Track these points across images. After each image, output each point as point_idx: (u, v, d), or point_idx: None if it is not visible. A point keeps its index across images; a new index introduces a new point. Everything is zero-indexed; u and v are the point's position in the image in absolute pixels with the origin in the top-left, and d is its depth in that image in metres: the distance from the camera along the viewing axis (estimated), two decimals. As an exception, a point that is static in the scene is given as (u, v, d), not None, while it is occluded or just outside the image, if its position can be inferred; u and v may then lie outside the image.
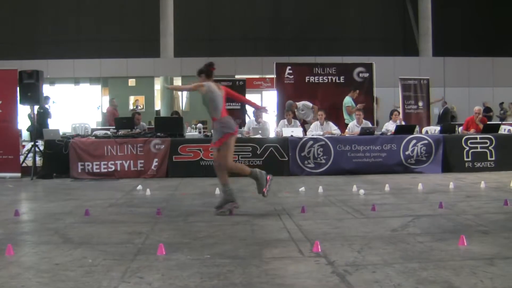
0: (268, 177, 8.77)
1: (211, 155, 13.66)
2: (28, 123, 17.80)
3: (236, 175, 8.97)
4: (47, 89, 17.93)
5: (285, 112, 15.77)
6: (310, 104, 16.76)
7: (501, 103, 27.06)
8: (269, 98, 28.22)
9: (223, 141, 8.50)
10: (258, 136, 14.38)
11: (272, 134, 15.26)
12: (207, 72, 8.93)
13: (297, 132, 14.48)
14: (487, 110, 21.72)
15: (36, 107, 15.58)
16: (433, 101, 22.53)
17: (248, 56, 29.60)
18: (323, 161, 13.93)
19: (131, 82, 30.54)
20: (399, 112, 16.72)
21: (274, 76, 18.08)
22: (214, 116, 8.63)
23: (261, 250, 6.09)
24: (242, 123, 18.03)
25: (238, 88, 19.18)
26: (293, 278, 5.02)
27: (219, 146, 8.55)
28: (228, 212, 8.50)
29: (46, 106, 19.01)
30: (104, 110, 29.50)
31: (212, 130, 8.95)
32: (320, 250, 5.92)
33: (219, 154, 8.58)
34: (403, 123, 16.55)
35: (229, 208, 8.54)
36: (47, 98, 19.60)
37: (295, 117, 15.97)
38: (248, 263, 5.51)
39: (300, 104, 16.78)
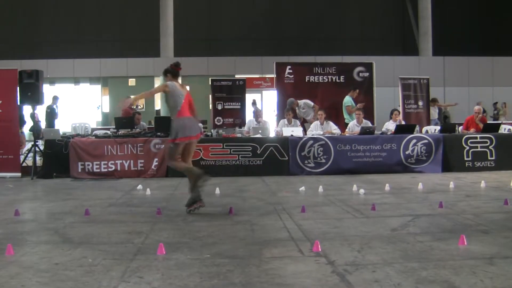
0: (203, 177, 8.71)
1: (211, 154, 13.69)
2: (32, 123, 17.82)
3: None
4: (47, 89, 17.92)
5: (285, 111, 15.76)
6: (311, 103, 16.76)
7: (495, 103, 27.10)
8: (269, 98, 28.24)
9: (174, 142, 8.65)
10: (258, 135, 14.38)
11: (272, 134, 15.26)
12: (173, 72, 9.01)
13: (297, 131, 14.47)
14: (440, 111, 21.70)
15: (38, 107, 15.59)
16: (445, 105, 22.56)
17: (248, 55, 29.62)
18: (323, 160, 13.92)
19: (131, 82, 30.53)
20: (399, 112, 16.70)
21: (274, 75, 18.08)
22: (175, 115, 8.72)
23: (260, 249, 6.09)
24: (242, 123, 18.05)
25: (238, 88, 19.24)
26: (293, 277, 5.02)
27: (170, 143, 8.74)
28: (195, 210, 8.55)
29: (54, 106, 19.14)
30: (105, 110, 29.54)
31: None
32: (320, 250, 5.92)
33: (165, 150, 8.79)
34: (403, 122, 16.54)
35: (196, 206, 8.56)
36: (56, 98, 19.71)
37: (295, 117, 15.98)
38: (247, 263, 5.51)
39: (301, 102, 16.79)
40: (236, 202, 9.51)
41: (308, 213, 8.35)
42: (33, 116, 16.40)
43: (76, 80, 31.11)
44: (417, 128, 15.80)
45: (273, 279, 4.97)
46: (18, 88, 14.31)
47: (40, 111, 17.28)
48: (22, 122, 16.27)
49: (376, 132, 14.97)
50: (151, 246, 6.19)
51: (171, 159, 8.80)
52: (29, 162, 14.62)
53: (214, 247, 6.22)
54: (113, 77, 30.40)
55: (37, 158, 14.40)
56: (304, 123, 16.33)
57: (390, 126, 15.44)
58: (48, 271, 5.29)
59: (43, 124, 19.30)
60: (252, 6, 33.46)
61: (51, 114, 19.03)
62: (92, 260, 5.67)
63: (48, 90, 24.21)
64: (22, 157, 14.70)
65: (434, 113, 20.33)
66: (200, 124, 11.81)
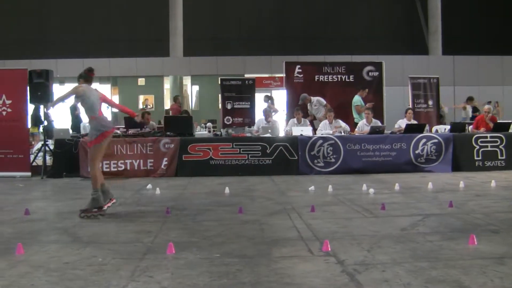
0: (111, 200, 8.71)
1: (220, 154, 13.69)
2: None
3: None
4: (56, 89, 17.97)
5: (295, 110, 15.70)
6: (324, 101, 16.71)
7: (489, 102, 26.91)
8: (278, 97, 28.20)
9: (99, 141, 8.58)
10: (268, 135, 14.38)
11: (281, 133, 15.23)
12: (85, 77, 8.96)
13: (307, 131, 14.45)
14: (475, 110, 21.54)
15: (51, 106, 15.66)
16: (455, 107, 22.46)
17: (257, 55, 29.57)
18: (333, 160, 13.90)
19: (141, 81, 30.58)
20: (413, 111, 16.58)
21: (283, 75, 18.05)
22: (92, 115, 8.68)
23: (270, 249, 6.09)
24: (251, 122, 18.04)
25: (248, 87, 19.22)
26: (302, 277, 5.01)
27: (93, 145, 8.63)
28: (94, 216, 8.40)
29: (78, 105, 19.28)
30: (114, 109, 29.54)
31: (88, 129, 9.08)
32: (329, 249, 5.92)
33: (90, 153, 8.78)
34: (413, 122, 16.49)
35: (93, 213, 8.42)
36: (76, 97, 19.84)
37: (304, 116, 15.95)
38: (257, 262, 5.51)
39: (314, 99, 16.75)
40: (245, 202, 9.52)
41: (317, 213, 8.34)
42: (46, 116, 16.50)
43: (86, 80, 31.14)
44: (427, 127, 15.73)
45: (282, 278, 4.97)
46: (28, 87, 14.38)
47: (60, 110, 17.40)
48: (39, 121, 16.39)
49: (386, 131, 14.94)
50: (161, 245, 6.20)
51: (95, 164, 8.64)
52: (39, 161, 14.68)
53: (223, 246, 6.22)
54: (123, 77, 30.45)
55: (47, 157, 14.46)
56: (314, 120, 16.31)
57: (403, 124, 15.36)
58: (58, 270, 5.31)
59: (67, 123, 19.54)
60: (261, 5, 33.40)
61: (76, 113, 19.40)
62: (101, 259, 5.69)
63: (58, 90, 24.28)
64: (32, 157, 14.75)
65: (468, 111, 20.28)
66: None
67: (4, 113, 14.33)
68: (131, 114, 9.73)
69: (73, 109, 19.06)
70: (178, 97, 22.97)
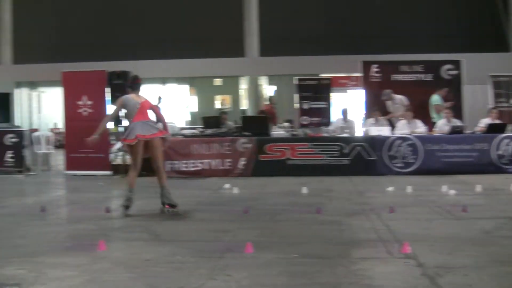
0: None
1: (297, 154, 13.67)
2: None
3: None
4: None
5: (371, 110, 15.49)
6: (406, 102, 16.36)
7: None
8: (355, 97, 27.94)
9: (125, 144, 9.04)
10: (345, 135, 14.27)
11: (359, 133, 15.10)
12: (130, 86, 9.26)
13: (385, 131, 14.27)
14: None
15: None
16: None
17: (333, 54, 29.36)
18: (412, 160, 13.67)
19: (217, 81, 30.88)
20: (496, 110, 16.08)
21: (360, 74, 17.85)
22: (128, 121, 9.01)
23: (349, 250, 6.04)
24: (328, 122, 17.93)
25: (323, 88, 19.11)
26: (381, 279, 4.96)
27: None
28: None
29: (158, 106, 19.74)
30: (193, 110, 29.98)
31: None
32: (409, 251, 5.81)
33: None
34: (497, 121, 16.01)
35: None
36: (160, 98, 20.37)
37: (384, 115, 15.70)
38: (335, 263, 5.48)
39: (398, 97, 16.42)
40: (323, 202, 9.47)
41: (396, 214, 8.21)
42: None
43: (164, 81, 31.69)
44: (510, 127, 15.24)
45: (361, 280, 4.93)
46: (107, 88, 14.73)
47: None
48: (118, 122, 16.86)
49: (466, 131, 14.59)
50: (239, 245, 6.21)
51: (131, 165, 9.13)
52: (119, 160, 15.00)
53: (301, 246, 6.21)
54: (199, 77, 30.81)
55: (127, 156, 14.75)
56: (390, 118, 16.05)
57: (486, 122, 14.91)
58: (139, 267, 5.42)
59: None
60: (338, 4, 33.18)
61: None
62: (181, 257, 5.77)
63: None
64: (112, 156, 15.08)
65: None
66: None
67: (85, 113, 14.72)
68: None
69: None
70: (273, 97, 22.88)
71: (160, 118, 9.21)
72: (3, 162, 14.79)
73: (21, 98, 32.05)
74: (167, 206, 8.74)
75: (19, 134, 15.06)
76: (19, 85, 31.27)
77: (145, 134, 8.73)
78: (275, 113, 20.02)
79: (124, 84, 9.13)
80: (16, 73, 30.80)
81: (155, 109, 9.25)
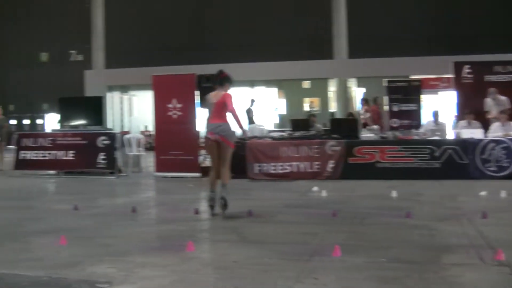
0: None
1: (387, 157, 13.49)
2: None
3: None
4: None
5: (466, 113, 15.05)
6: (508, 104, 15.75)
7: None
8: (446, 99, 27.33)
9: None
10: (436, 137, 13.98)
11: (450, 136, 14.76)
12: (215, 82, 9.24)
13: (477, 133, 13.88)
14: None
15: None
16: None
17: (423, 55, 28.80)
18: (506, 164, 13.21)
19: (306, 84, 30.85)
20: None
21: (451, 75, 17.43)
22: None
23: (439, 255, 5.92)
24: (418, 125, 17.62)
25: (413, 89, 18.81)
26: (472, 286, 4.85)
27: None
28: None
29: (251, 108, 20.17)
30: (281, 112, 30.06)
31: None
32: (503, 259, 5.62)
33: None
34: None
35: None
36: (253, 101, 20.83)
37: (476, 119, 15.25)
38: (425, 269, 5.37)
39: (502, 98, 15.84)
40: (413, 206, 9.30)
41: (490, 219, 7.96)
42: (249, 112, 17.19)
43: (252, 83, 31.93)
44: None
45: (451, 286, 4.84)
46: (196, 92, 14.96)
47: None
48: None
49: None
50: (327, 248, 6.19)
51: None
52: (208, 162, 15.19)
53: (390, 251, 6.13)
54: (288, 80, 30.87)
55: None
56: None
57: None
58: (226, 268, 5.49)
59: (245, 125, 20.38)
60: (427, 4, 32.54)
61: (250, 116, 20.26)
62: (268, 259, 5.80)
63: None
64: (201, 158, 15.29)
65: None
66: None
67: (175, 116, 14.99)
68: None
69: (248, 112, 19.76)
70: (379, 98, 22.57)
71: (233, 116, 9.07)
72: (96, 163, 15.25)
73: (113, 102, 33.00)
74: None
75: (111, 136, 15.51)
76: (111, 88, 32.20)
77: (213, 135, 8.83)
78: (381, 114, 19.84)
79: (216, 82, 9.10)
80: (108, 77, 31.75)
81: (229, 107, 8.97)
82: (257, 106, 24.06)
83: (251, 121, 20.18)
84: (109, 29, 32.92)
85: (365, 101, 22.09)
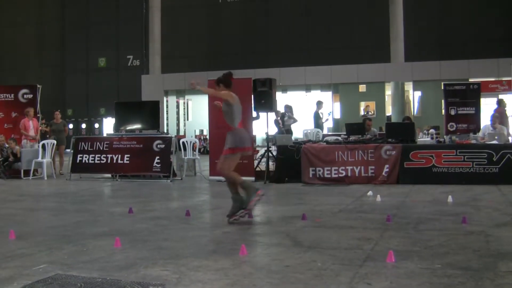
0: (258, 192, 8.64)
1: (443, 161, 13.28)
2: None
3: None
4: (279, 97, 18.71)
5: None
6: None
7: None
8: (506, 102, 26.80)
9: (232, 152, 8.60)
10: (494, 142, 13.69)
11: (510, 140, 14.44)
12: (226, 82, 8.90)
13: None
14: None
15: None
16: None
17: (483, 58, 28.31)
18: None
19: (362, 88, 30.67)
20: None
21: (511, 78, 17.07)
22: (232, 126, 8.71)
23: (495, 262, 5.78)
24: (476, 129, 17.31)
25: (472, 92, 18.49)
26: (531, 294, 4.71)
27: (227, 154, 8.64)
28: (240, 218, 8.48)
29: (319, 112, 20.31)
30: (336, 116, 29.93)
31: (227, 137, 8.83)
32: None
33: (224, 162, 8.65)
34: None
35: (241, 215, 8.50)
36: (319, 103, 20.93)
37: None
38: (481, 276, 5.25)
39: None
40: (469, 211, 9.13)
41: (549, 226, 7.77)
42: (277, 122, 17.19)
43: (308, 87, 31.89)
44: None
45: (508, 294, 4.70)
46: (252, 96, 15.00)
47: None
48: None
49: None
50: (381, 253, 6.13)
51: (229, 169, 8.67)
52: (262, 167, 15.22)
53: (445, 257, 6.01)
54: (344, 84, 30.74)
55: (270, 163, 14.97)
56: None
57: None
58: (279, 273, 5.46)
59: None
60: (486, 7, 31.95)
61: (316, 119, 20.25)
62: (321, 264, 5.76)
63: (280, 98, 25.12)
64: (256, 162, 15.32)
65: None
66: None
67: (230, 120, 15.04)
68: None
69: (317, 117, 19.77)
70: (503, 100, 22.05)
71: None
72: (151, 167, 15.43)
73: (169, 106, 33.40)
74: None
75: (166, 140, 15.67)
76: (167, 93, 32.59)
77: (248, 146, 8.86)
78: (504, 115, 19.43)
79: (220, 80, 8.91)
80: (164, 82, 32.13)
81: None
82: (325, 108, 23.97)
83: (317, 126, 20.13)
84: (166, 35, 33.35)
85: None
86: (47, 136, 19.07)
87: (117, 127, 17.35)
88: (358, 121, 18.79)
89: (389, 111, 30.35)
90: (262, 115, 15.83)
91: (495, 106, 18.24)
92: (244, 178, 14.40)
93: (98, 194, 13.43)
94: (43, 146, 17.05)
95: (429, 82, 28.78)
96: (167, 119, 32.88)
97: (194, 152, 17.40)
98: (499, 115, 15.91)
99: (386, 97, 30.94)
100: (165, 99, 32.49)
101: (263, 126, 16.28)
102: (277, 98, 15.63)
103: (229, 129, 8.78)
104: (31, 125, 17.60)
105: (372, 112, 29.55)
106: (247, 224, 8.34)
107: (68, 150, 18.67)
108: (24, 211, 10.36)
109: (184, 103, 34.78)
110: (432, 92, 28.73)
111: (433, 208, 9.75)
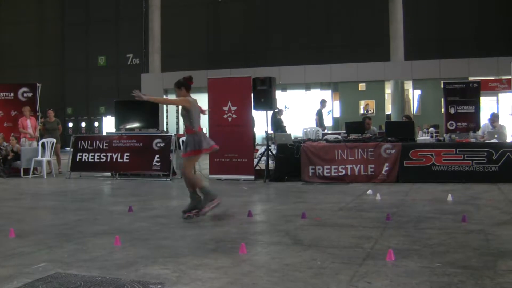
0: (215, 200, 8.96)
1: (443, 160, 13.28)
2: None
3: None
4: (279, 95, 18.76)
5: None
6: None
7: None
8: (506, 101, 26.80)
9: (191, 155, 8.96)
10: (494, 140, 13.70)
11: (509, 139, 14.44)
12: (186, 85, 9.05)
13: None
14: None
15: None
16: None
17: (482, 56, 28.28)
18: None
19: (361, 86, 30.64)
20: None
21: (511, 77, 17.07)
22: (191, 129, 8.93)
23: (495, 261, 5.78)
24: (476, 127, 17.31)
25: (472, 91, 18.46)
26: (530, 293, 4.71)
27: (190, 156, 8.99)
28: (194, 217, 8.80)
29: (322, 110, 20.38)
30: (335, 115, 29.94)
31: (185, 139, 9.23)
32: None
33: (186, 163, 9.07)
34: None
35: (195, 214, 8.85)
36: (323, 101, 20.94)
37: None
38: (481, 274, 5.26)
39: None
40: (469, 210, 9.14)
41: (549, 224, 7.78)
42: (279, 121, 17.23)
43: (307, 86, 31.87)
44: None
45: (508, 293, 4.71)
46: (252, 94, 15.00)
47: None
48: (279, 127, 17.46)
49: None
50: (380, 252, 6.14)
51: (189, 171, 9.19)
52: (262, 165, 15.22)
53: (445, 255, 6.02)
54: (343, 82, 30.71)
55: (270, 161, 14.97)
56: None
57: None
58: (279, 271, 5.47)
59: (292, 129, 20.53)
60: (486, 5, 31.91)
61: (320, 118, 20.25)
62: (321, 263, 5.77)
63: (280, 96, 25.11)
64: (255, 161, 15.33)
65: None
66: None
67: (229, 119, 15.07)
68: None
69: (320, 116, 19.84)
70: None
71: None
72: (151, 166, 15.43)
73: (169, 105, 33.32)
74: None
75: (166, 139, 15.67)
76: (167, 92, 32.56)
77: (206, 148, 9.08)
78: None
79: (182, 84, 9.06)
80: (164, 81, 32.10)
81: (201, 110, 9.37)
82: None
83: (318, 125, 20.13)
84: (165, 33, 33.32)
85: None
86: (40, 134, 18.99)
87: (117, 126, 17.34)
88: (358, 120, 18.79)
89: (388, 109, 30.30)
90: (262, 113, 15.81)
91: (495, 105, 18.25)
92: (243, 176, 14.56)
93: (98, 193, 13.42)
94: (43, 144, 17.04)
95: (428, 80, 28.73)
96: (167, 118, 32.85)
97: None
98: None
99: (386, 95, 30.88)
100: (164, 98, 32.47)
101: (262, 125, 16.27)
102: (276, 97, 15.60)
103: (188, 132, 9.04)
104: (29, 124, 17.59)
105: (372, 111, 29.52)
106: (247, 223, 8.34)
107: (67, 148, 18.65)
108: (24, 210, 10.37)
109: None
110: (431, 91, 28.68)
111: (432, 206, 9.76)
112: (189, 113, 8.90)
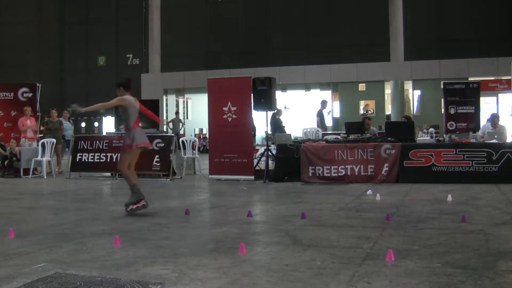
0: (142, 201, 9.32)
1: (443, 160, 13.28)
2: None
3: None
4: (279, 96, 18.74)
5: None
6: None
7: None
8: (506, 101, 26.80)
9: (128, 149, 9.48)
10: (494, 141, 13.69)
11: (509, 139, 14.43)
12: (126, 85, 9.59)
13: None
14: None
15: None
16: None
17: (482, 57, 28.28)
18: None
19: (361, 86, 30.64)
20: None
21: (511, 77, 17.06)
22: (127, 126, 9.55)
23: (495, 261, 5.78)
24: (476, 128, 17.31)
25: (472, 91, 18.46)
26: (530, 293, 4.71)
27: (123, 150, 9.65)
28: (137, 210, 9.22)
29: (323, 110, 20.40)
30: (335, 115, 29.94)
31: (125, 135, 9.69)
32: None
33: (121, 156, 9.61)
34: None
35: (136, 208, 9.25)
36: (324, 102, 20.94)
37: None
38: (480, 275, 5.25)
39: None
40: (469, 210, 9.14)
41: (549, 225, 7.78)
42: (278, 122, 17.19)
43: (307, 86, 31.88)
44: None
45: (508, 293, 4.71)
46: (252, 95, 14.99)
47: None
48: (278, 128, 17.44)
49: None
50: (380, 252, 6.14)
51: (123, 165, 9.58)
52: (261, 165, 15.22)
53: (445, 256, 6.02)
54: (343, 83, 30.71)
55: (270, 162, 14.96)
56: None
57: None
58: (278, 271, 5.47)
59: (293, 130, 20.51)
60: (486, 6, 31.92)
61: (321, 119, 20.30)
62: (320, 263, 5.77)
63: (280, 97, 25.12)
64: (255, 161, 15.32)
65: None
66: None
67: (229, 119, 15.05)
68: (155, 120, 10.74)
69: (321, 117, 19.89)
70: None
71: (147, 113, 10.23)
72: (151, 166, 15.42)
73: (169, 105, 33.39)
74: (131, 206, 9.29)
75: (166, 139, 15.65)
76: (166, 92, 32.56)
77: (147, 143, 9.67)
78: None
79: (121, 83, 9.39)
80: (164, 81, 32.11)
81: (145, 111, 10.05)
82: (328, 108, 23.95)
83: (320, 126, 20.15)
84: (165, 33, 33.32)
85: None
86: (43, 135, 18.99)
87: (117, 126, 17.33)
88: (357, 120, 18.78)
89: (388, 110, 30.31)
90: (262, 113, 15.81)
91: (495, 106, 18.25)
92: (243, 177, 14.56)
93: (98, 193, 13.43)
94: (43, 144, 17.03)
95: (428, 81, 28.73)
96: (167, 118, 32.89)
97: (194, 151, 17.41)
98: None
99: (386, 96, 30.89)
100: (164, 98, 32.44)
101: (262, 124, 16.27)
102: (276, 97, 15.60)
103: (126, 129, 9.59)
104: (29, 124, 17.58)
105: (372, 111, 29.52)
106: (246, 223, 8.34)
107: (67, 149, 18.66)
108: (24, 210, 10.36)
109: (183, 102, 34.75)
110: (431, 91, 28.68)
111: (432, 207, 9.75)
112: (126, 111, 9.42)
